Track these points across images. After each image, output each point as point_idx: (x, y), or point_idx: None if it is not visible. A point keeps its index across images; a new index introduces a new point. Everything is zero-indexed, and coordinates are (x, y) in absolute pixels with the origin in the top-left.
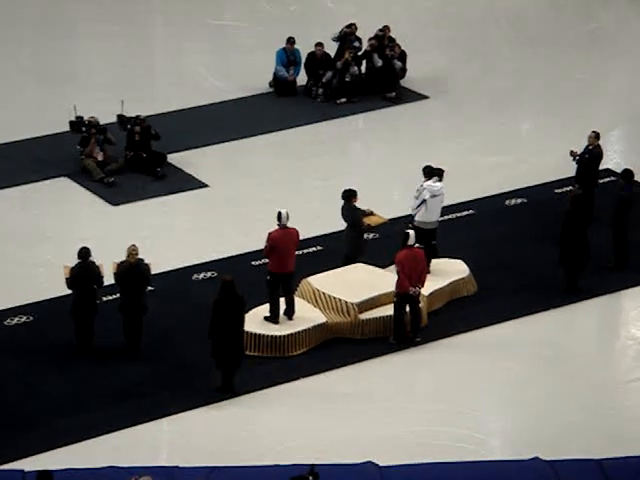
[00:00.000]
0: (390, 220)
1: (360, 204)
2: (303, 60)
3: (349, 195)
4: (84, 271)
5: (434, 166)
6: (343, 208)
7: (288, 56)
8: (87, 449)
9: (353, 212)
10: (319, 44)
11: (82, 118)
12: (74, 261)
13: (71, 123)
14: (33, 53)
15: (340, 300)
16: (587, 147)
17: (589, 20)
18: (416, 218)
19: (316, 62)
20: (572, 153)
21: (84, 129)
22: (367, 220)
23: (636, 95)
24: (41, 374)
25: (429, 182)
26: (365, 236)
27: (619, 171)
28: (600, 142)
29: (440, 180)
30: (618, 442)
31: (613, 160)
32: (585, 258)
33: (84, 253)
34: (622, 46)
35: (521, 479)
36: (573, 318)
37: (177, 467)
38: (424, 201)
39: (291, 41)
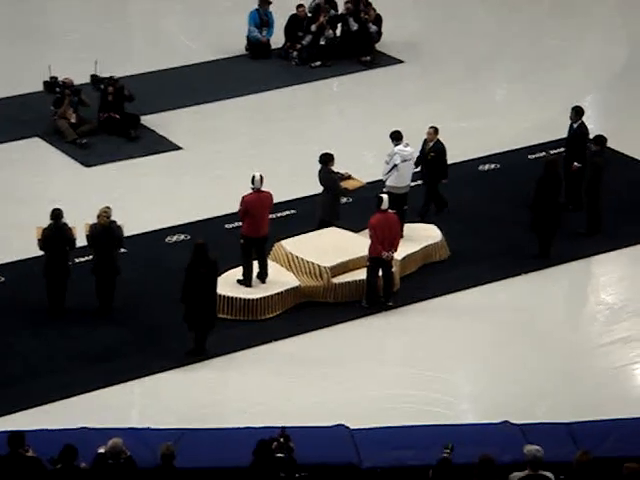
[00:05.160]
0: (366, 184)
1: (336, 168)
2: (284, 23)
3: (326, 159)
4: (56, 233)
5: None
6: (320, 172)
7: (261, 17)
8: (59, 410)
9: (330, 176)
10: (300, 5)
11: (56, 79)
12: (46, 222)
13: (45, 83)
14: (5, 11)
15: (313, 264)
16: (425, 143)
17: None
18: (387, 183)
19: (299, 22)
20: None
21: (58, 90)
22: (345, 184)
23: (610, 62)
24: (13, 335)
25: (399, 147)
26: (341, 200)
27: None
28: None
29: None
30: (587, 406)
31: (588, 126)
32: (556, 224)
33: (56, 214)
34: (597, 13)
35: (491, 442)
36: (544, 283)
37: (148, 429)
38: (395, 166)
39: (266, 1)
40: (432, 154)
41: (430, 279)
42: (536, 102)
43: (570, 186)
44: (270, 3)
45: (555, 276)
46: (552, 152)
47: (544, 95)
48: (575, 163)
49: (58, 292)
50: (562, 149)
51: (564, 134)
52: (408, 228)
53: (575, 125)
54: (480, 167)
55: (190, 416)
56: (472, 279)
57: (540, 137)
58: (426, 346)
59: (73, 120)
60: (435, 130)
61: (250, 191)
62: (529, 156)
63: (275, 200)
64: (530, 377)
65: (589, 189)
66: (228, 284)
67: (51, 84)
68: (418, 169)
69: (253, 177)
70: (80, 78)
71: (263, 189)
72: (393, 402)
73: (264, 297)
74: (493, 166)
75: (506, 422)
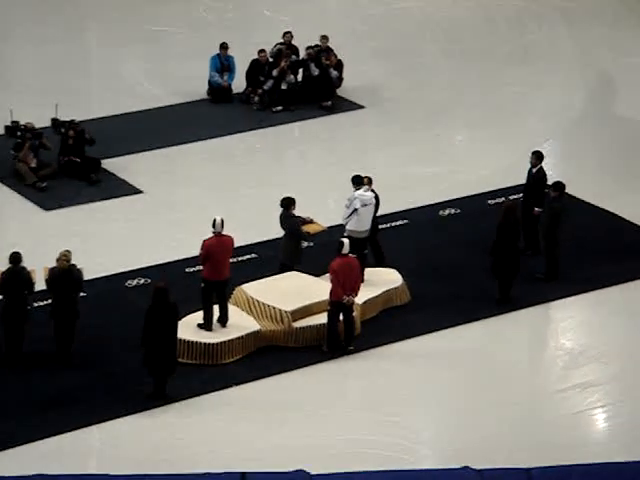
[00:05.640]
0: (327, 228)
1: (297, 212)
2: (246, 67)
3: (287, 203)
4: (14, 276)
5: (363, 175)
6: (281, 216)
7: (222, 62)
8: (15, 456)
9: (291, 220)
10: (262, 50)
11: (18, 123)
12: (5, 266)
13: (6, 128)
14: None
15: (274, 308)
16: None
17: (521, 34)
18: (347, 227)
19: (260, 67)
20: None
21: (19, 134)
22: (306, 228)
23: (567, 109)
24: None
25: (360, 191)
26: (302, 244)
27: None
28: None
29: (370, 187)
30: (546, 451)
31: (547, 172)
32: (516, 269)
33: (15, 258)
34: (554, 61)
35: None
36: (504, 328)
37: (107, 475)
38: (355, 210)
39: (224, 46)
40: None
41: (391, 323)
42: (495, 148)
43: (528, 231)
44: (227, 48)
45: (515, 321)
46: (511, 197)
47: (503, 141)
48: (536, 208)
49: (16, 336)
50: (520, 194)
51: (523, 180)
52: (369, 272)
53: (534, 170)
54: (440, 212)
55: (150, 461)
56: (433, 323)
57: (499, 183)
58: (386, 391)
59: (33, 165)
60: (370, 180)
61: (211, 235)
62: (489, 201)
63: (236, 244)
64: (490, 422)
65: (547, 235)
66: (188, 328)
67: (12, 128)
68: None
69: (214, 221)
70: (41, 122)
71: (224, 233)
72: (353, 447)
73: (225, 341)
74: (453, 211)
75: (466, 467)
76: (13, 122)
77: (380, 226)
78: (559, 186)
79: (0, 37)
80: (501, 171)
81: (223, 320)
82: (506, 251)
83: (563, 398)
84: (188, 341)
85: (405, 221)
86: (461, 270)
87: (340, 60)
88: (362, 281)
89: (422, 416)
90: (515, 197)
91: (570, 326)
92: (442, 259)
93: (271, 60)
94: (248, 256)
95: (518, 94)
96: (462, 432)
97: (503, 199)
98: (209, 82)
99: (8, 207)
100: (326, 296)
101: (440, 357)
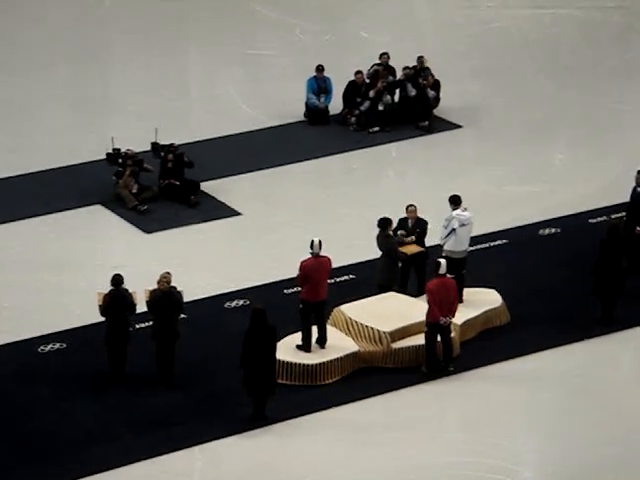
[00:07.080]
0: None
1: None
2: (342, 89)
3: (385, 224)
4: (117, 298)
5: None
6: (378, 236)
7: (319, 84)
8: (118, 477)
9: (388, 241)
10: (359, 72)
11: (119, 150)
12: (107, 288)
13: (108, 155)
14: (68, 80)
15: (372, 329)
16: (405, 221)
17: (623, 50)
18: (445, 247)
19: (357, 88)
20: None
21: (120, 161)
22: (403, 249)
23: None
24: (73, 401)
25: (458, 211)
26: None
27: None
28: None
29: (458, 206)
30: None
31: None
32: (620, 288)
33: (117, 280)
34: None
35: None
36: (607, 349)
37: None
38: (453, 230)
39: (320, 68)
40: (418, 230)
41: (490, 344)
42: (596, 166)
43: (631, 250)
44: (323, 70)
45: (618, 341)
46: (613, 216)
47: (604, 159)
48: (638, 227)
49: (118, 358)
50: (623, 213)
51: (625, 198)
52: (468, 293)
53: (639, 189)
54: (540, 231)
55: None
56: (533, 344)
57: (601, 201)
58: (487, 412)
59: (134, 190)
60: (416, 208)
61: (309, 256)
62: (590, 220)
63: (334, 265)
64: (593, 444)
65: None
66: (287, 349)
67: (114, 156)
68: None
69: (312, 242)
70: (140, 145)
71: (322, 254)
72: (454, 469)
73: (323, 362)
74: (553, 230)
75: None
76: (114, 149)
77: (479, 246)
78: None
79: (101, 62)
80: (603, 189)
81: (322, 341)
82: (609, 271)
83: None
84: (287, 362)
85: (505, 240)
86: (562, 290)
87: (437, 80)
88: (460, 301)
89: (523, 438)
90: (618, 215)
91: None
92: (542, 279)
93: (368, 81)
94: (346, 277)
95: (620, 111)
96: (564, 454)
97: (605, 218)
98: (306, 104)
99: (110, 230)
100: (424, 317)
101: (542, 378)
